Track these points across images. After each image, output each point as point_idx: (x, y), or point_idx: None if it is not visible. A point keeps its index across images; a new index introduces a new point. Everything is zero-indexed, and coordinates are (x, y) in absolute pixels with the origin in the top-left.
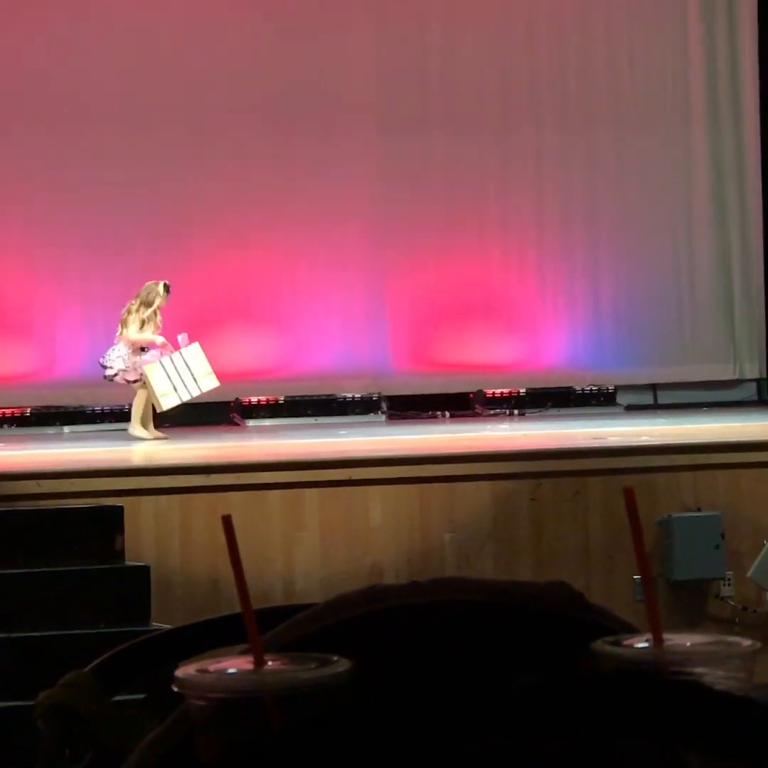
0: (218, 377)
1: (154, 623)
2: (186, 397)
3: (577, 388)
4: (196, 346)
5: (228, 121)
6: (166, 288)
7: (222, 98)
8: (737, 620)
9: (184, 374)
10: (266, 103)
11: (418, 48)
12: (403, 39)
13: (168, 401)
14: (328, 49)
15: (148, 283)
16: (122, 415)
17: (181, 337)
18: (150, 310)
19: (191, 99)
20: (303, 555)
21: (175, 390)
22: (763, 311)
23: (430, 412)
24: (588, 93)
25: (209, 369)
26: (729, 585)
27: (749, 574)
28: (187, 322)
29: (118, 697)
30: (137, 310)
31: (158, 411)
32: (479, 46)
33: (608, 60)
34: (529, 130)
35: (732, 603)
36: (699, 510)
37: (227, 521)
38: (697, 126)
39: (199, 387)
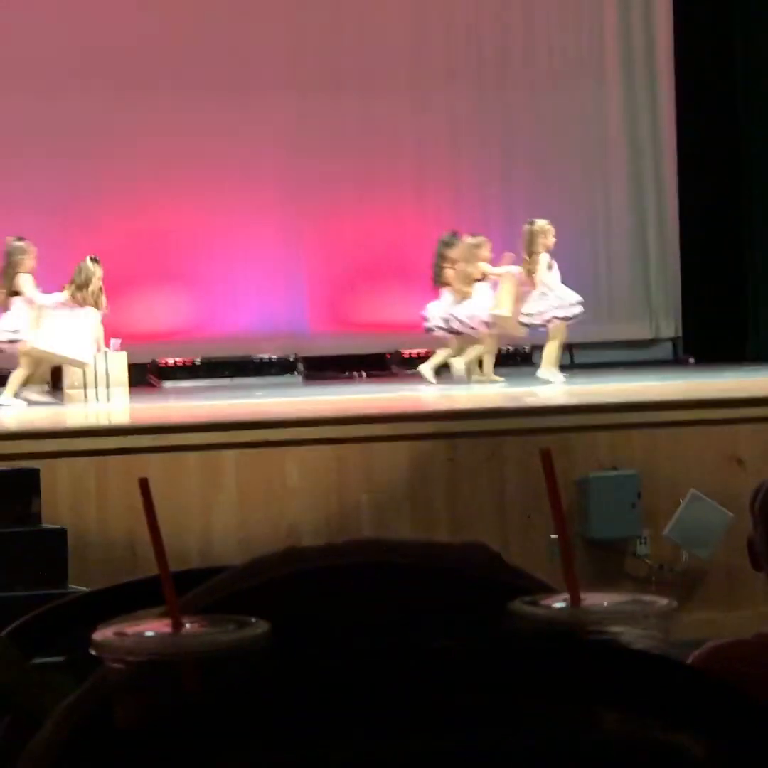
0: (134, 339)
1: (71, 586)
2: (92, 404)
3: None
4: (123, 355)
5: (142, 81)
6: (95, 261)
7: (136, 59)
8: (654, 579)
9: (99, 377)
10: (180, 63)
11: (331, 5)
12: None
13: (72, 398)
14: (241, 8)
15: (78, 264)
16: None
17: (114, 342)
18: (88, 290)
19: (105, 61)
20: (220, 517)
21: (85, 389)
22: (678, 271)
23: (346, 373)
24: (502, 50)
25: (126, 380)
26: (645, 544)
27: (665, 532)
28: (103, 284)
29: (35, 661)
30: (73, 295)
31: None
32: (392, 4)
33: (524, 17)
34: (444, 88)
35: (648, 562)
36: (615, 469)
37: (144, 484)
38: (612, 82)
39: (109, 395)
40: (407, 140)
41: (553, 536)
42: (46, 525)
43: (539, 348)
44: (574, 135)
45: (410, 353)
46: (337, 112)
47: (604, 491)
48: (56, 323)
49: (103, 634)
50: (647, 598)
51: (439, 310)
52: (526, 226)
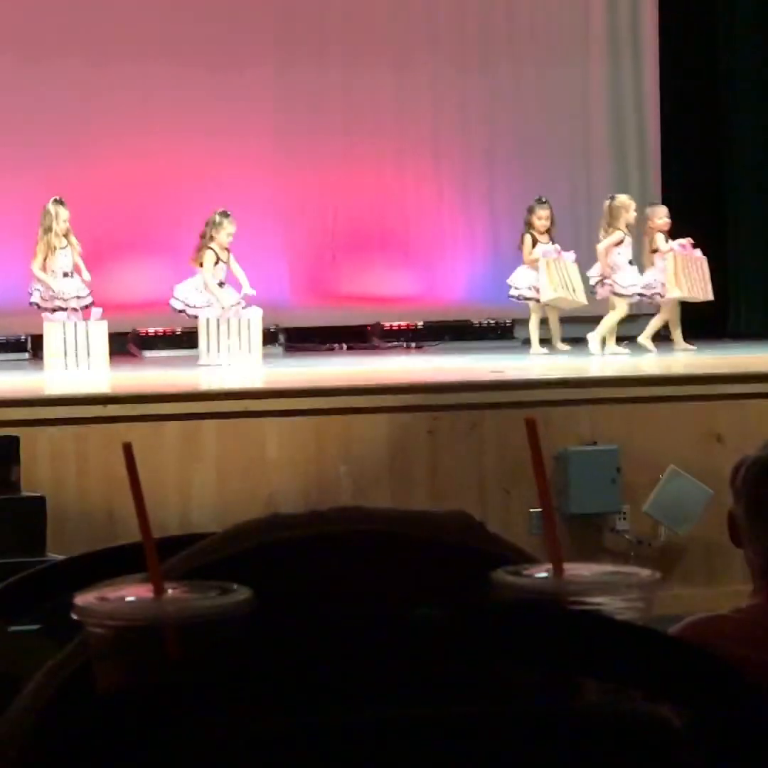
0: (114, 309)
1: (50, 554)
2: (72, 373)
3: (475, 321)
4: (104, 324)
5: (126, 52)
6: (58, 202)
7: (121, 27)
8: (632, 554)
9: (80, 346)
10: (164, 34)
11: None
12: None
13: (52, 366)
14: None
15: (43, 208)
16: (18, 346)
17: (95, 311)
18: (51, 235)
19: (90, 27)
20: (199, 486)
21: (65, 358)
22: None
23: (327, 345)
24: (486, 25)
25: (106, 349)
26: (624, 519)
27: (645, 508)
28: (83, 252)
29: (14, 628)
30: (40, 241)
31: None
32: None
33: None
34: (427, 63)
35: (627, 537)
36: (595, 444)
37: (127, 449)
38: (596, 56)
39: (89, 364)
40: (389, 114)
41: (532, 510)
42: (26, 492)
43: (521, 322)
44: (557, 110)
45: (391, 326)
46: (320, 86)
47: (583, 466)
48: None
49: (85, 598)
50: (630, 569)
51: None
52: (607, 202)
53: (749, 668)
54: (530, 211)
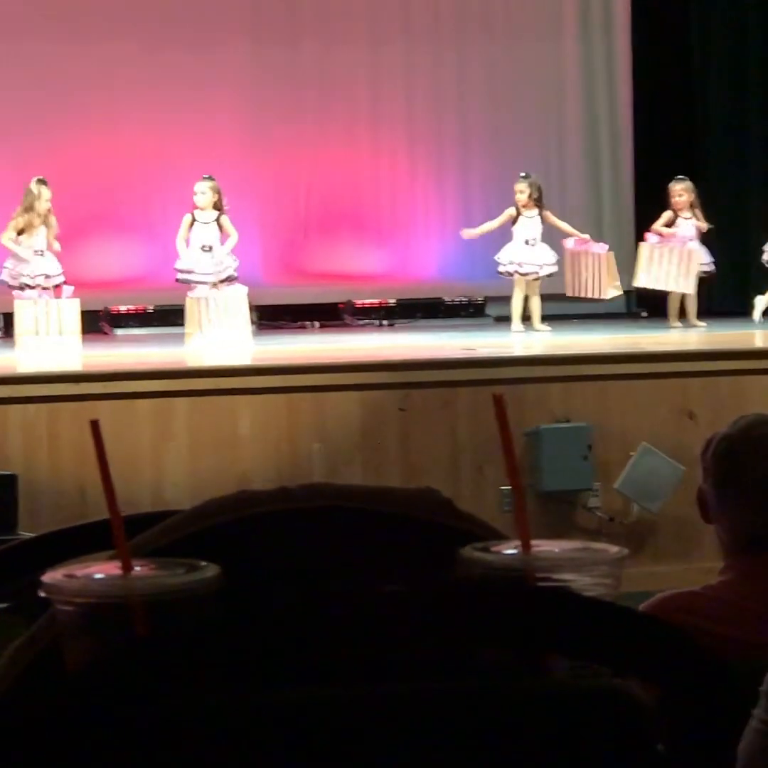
0: (86, 287)
1: (21, 532)
2: (43, 351)
3: (447, 299)
4: (76, 302)
5: (95, 29)
6: (41, 182)
7: (95, 6)
8: (604, 531)
9: (51, 323)
10: (135, 11)
11: None
12: None
13: (23, 344)
14: None
15: (26, 188)
16: None
17: (66, 289)
18: (32, 214)
19: (65, 5)
20: (171, 464)
21: (37, 336)
22: (632, 222)
23: (299, 323)
24: (460, 3)
25: (78, 328)
26: (597, 496)
27: (616, 485)
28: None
29: None
30: (17, 216)
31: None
32: None
33: None
34: (400, 40)
35: (599, 514)
36: (568, 421)
37: (95, 426)
38: (569, 36)
39: (61, 342)
40: (362, 92)
41: (503, 488)
42: None
43: (493, 299)
44: (530, 86)
45: (363, 303)
46: (293, 64)
47: (555, 443)
48: None
49: (53, 576)
50: (598, 546)
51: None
52: (690, 184)
53: (719, 644)
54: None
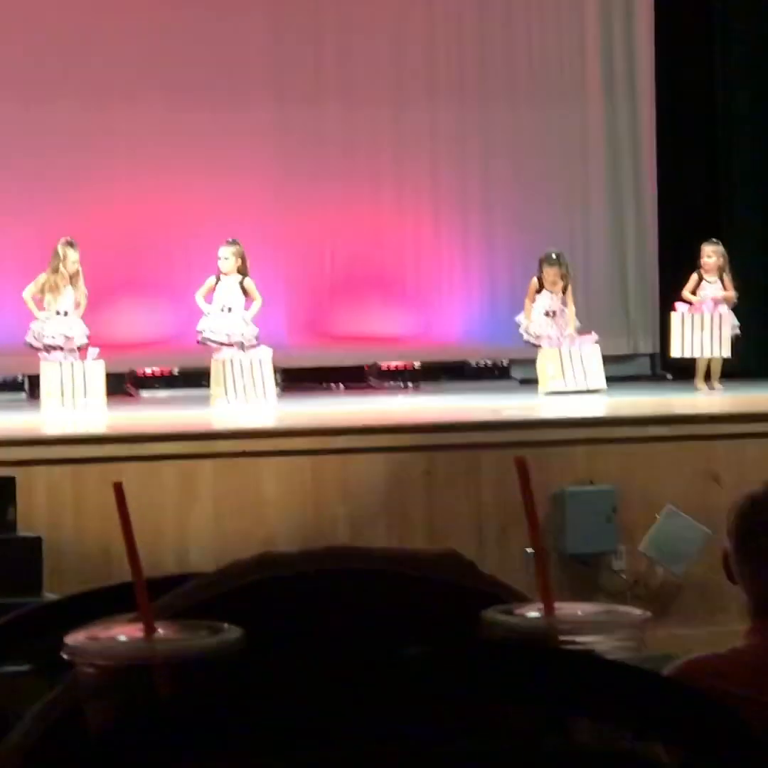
0: (112, 349)
1: (47, 594)
2: (69, 413)
3: (472, 361)
4: (101, 364)
5: (127, 95)
6: (68, 244)
7: (120, 71)
8: (629, 593)
9: (77, 385)
10: (163, 69)
11: (312, 20)
12: (298, 13)
13: (49, 406)
14: (225, 16)
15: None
16: (15, 386)
17: (92, 351)
18: (56, 275)
19: (91, 71)
20: (196, 527)
21: (62, 397)
22: (657, 285)
23: (324, 385)
24: (484, 69)
25: (103, 389)
26: (621, 558)
27: (641, 548)
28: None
29: (7, 668)
30: (45, 275)
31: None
32: (375, 20)
33: (505, 36)
34: (425, 106)
35: (624, 576)
36: (592, 484)
37: (118, 488)
38: (593, 103)
39: (86, 404)
40: (387, 155)
41: (529, 550)
42: (22, 533)
43: (518, 362)
44: (554, 152)
45: (388, 366)
46: (319, 126)
47: (580, 506)
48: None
49: (75, 638)
50: (621, 608)
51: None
52: (721, 248)
53: (745, 708)
54: (539, 265)
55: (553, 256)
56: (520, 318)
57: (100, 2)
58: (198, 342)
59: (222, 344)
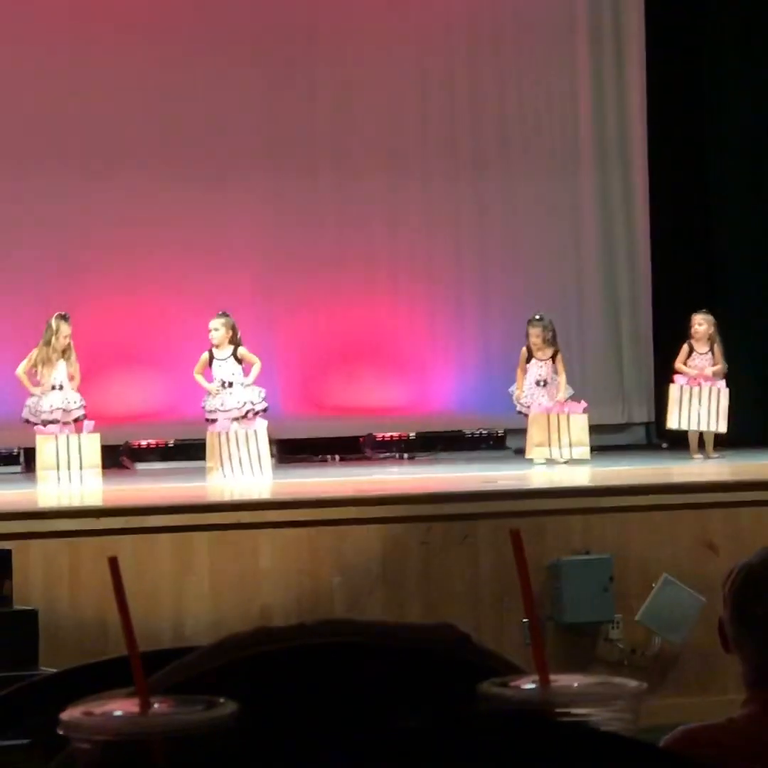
0: (107, 421)
1: (43, 668)
2: (64, 486)
3: (467, 431)
4: (96, 436)
5: (118, 166)
6: (61, 318)
7: (112, 143)
8: (626, 663)
9: (72, 458)
10: (155, 147)
11: (306, 91)
12: (292, 82)
13: (45, 479)
14: (216, 92)
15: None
16: (10, 459)
17: (87, 424)
18: (48, 349)
19: (82, 142)
20: (192, 598)
21: (58, 470)
22: (651, 355)
23: (319, 456)
24: (477, 139)
25: (99, 462)
26: (618, 628)
27: (638, 617)
28: (80, 367)
29: (3, 742)
30: (37, 349)
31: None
32: (369, 91)
33: (498, 107)
34: (418, 175)
35: (621, 646)
36: (588, 553)
37: (113, 563)
38: (585, 171)
39: (82, 477)
40: (381, 227)
41: (525, 620)
42: (18, 606)
43: (512, 432)
44: (548, 223)
45: (383, 436)
46: (311, 199)
47: (576, 575)
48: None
49: (71, 713)
50: (617, 680)
51: None
52: (711, 317)
53: None
54: (526, 331)
55: (537, 316)
56: (513, 389)
57: (95, 79)
58: (206, 421)
59: (234, 419)
